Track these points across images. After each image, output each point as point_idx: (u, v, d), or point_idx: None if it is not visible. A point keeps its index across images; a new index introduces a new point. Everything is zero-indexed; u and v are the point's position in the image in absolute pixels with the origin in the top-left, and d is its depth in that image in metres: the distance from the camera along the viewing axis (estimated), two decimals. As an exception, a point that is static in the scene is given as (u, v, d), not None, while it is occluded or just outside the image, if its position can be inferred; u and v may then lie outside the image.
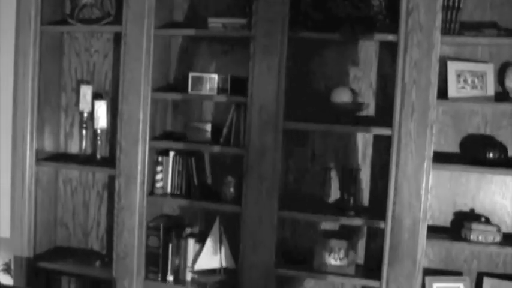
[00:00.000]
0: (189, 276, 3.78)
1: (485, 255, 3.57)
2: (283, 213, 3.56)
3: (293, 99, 3.60)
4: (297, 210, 3.59)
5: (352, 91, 3.55)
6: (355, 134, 3.65)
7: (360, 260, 3.67)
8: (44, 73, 3.97)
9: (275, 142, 3.49)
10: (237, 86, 3.64)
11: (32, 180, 3.96)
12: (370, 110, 3.62)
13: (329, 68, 3.68)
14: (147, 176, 3.75)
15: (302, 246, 3.75)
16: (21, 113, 3.94)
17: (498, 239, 3.35)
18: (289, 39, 3.46)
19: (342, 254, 3.53)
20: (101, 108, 3.93)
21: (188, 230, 3.90)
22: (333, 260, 3.53)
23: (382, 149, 3.57)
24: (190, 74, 3.68)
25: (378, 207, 3.52)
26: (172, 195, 3.80)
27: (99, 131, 3.97)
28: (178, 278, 3.80)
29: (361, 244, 3.68)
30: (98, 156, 3.97)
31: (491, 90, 3.42)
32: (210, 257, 3.72)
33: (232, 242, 3.70)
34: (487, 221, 3.48)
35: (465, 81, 3.43)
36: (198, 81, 3.66)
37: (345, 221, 3.50)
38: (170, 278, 3.78)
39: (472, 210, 3.57)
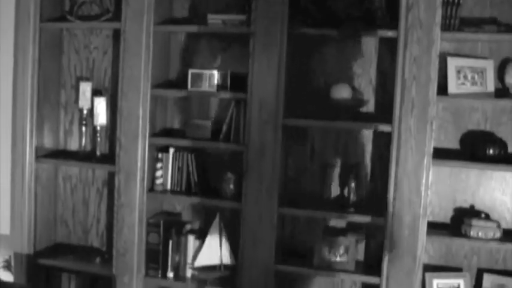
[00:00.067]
0: (189, 273, 3.79)
1: (485, 251, 3.57)
2: (283, 210, 3.56)
3: (293, 96, 3.60)
4: (296, 206, 3.59)
5: (352, 87, 3.54)
6: (355, 130, 3.64)
7: (360, 256, 3.67)
8: (44, 70, 3.96)
9: (275, 139, 3.49)
10: (236, 83, 3.64)
11: (31, 177, 3.96)
12: (369, 106, 3.62)
13: (329, 64, 3.68)
14: (147, 173, 3.75)
15: (302, 243, 3.75)
16: (20, 110, 3.94)
17: (498, 235, 3.35)
18: (288, 35, 3.46)
19: (342, 251, 3.53)
20: (101, 105, 3.93)
21: (188, 227, 3.90)
22: (333, 257, 3.54)
23: (382, 145, 3.57)
24: (190, 71, 3.68)
25: (377, 203, 3.52)
26: (172, 191, 3.80)
27: (98, 128, 3.96)
28: (179, 275, 3.80)
29: (361, 240, 3.67)
30: (98, 153, 3.97)
31: (491, 86, 3.42)
32: (210, 253, 3.72)
33: (232, 238, 3.70)
34: (487, 217, 3.48)
35: (465, 77, 3.43)
36: (197, 78, 3.65)
37: (345, 217, 3.50)
38: (170, 274, 3.78)
39: (472, 207, 3.57)
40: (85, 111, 3.97)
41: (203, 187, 3.78)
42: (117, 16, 3.75)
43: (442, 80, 3.38)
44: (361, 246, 3.67)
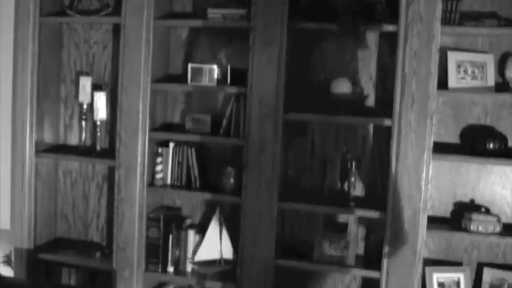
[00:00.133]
0: (189, 268, 3.79)
1: (485, 245, 3.57)
2: (283, 204, 3.56)
3: (293, 91, 3.59)
4: (296, 201, 3.59)
5: (352, 82, 3.54)
6: (355, 125, 3.64)
7: (360, 250, 3.68)
8: (43, 65, 3.96)
9: (275, 133, 3.49)
10: (236, 77, 3.63)
11: (31, 172, 3.96)
12: (370, 101, 3.62)
13: (329, 59, 3.68)
14: (147, 168, 3.75)
15: (302, 238, 3.75)
16: (20, 105, 3.94)
17: (498, 229, 3.35)
18: (288, 30, 3.46)
19: (342, 245, 3.53)
20: (101, 100, 3.92)
21: (188, 221, 3.91)
22: (333, 251, 3.54)
23: (382, 139, 3.56)
24: (190, 65, 3.68)
25: (378, 198, 3.52)
26: (172, 186, 3.80)
27: (98, 123, 3.96)
28: (179, 269, 3.80)
29: (362, 235, 3.68)
30: (98, 148, 3.97)
31: (491, 80, 3.41)
32: (210, 248, 3.72)
33: (232, 233, 3.70)
34: (487, 211, 3.48)
35: (465, 71, 3.43)
36: (197, 72, 3.65)
37: (345, 212, 3.50)
38: (170, 269, 3.79)
39: (472, 201, 3.57)
40: (85, 106, 3.96)
41: (203, 182, 3.78)
42: (117, 11, 3.75)
43: (442, 75, 3.38)
44: (361, 241, 3.67)
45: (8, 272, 4.09)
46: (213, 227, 3.72)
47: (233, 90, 3.62)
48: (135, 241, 3.77)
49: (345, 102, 3.48)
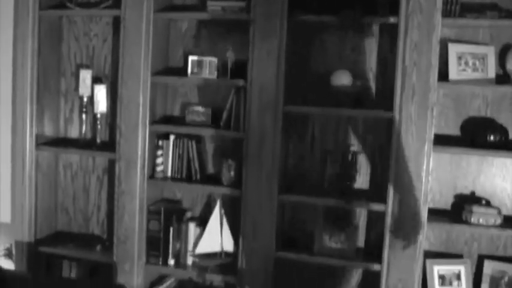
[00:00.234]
0: (190, 260, 3.79)
1: (485, 237, 3.57)
2: (283, 197, 3.56)
3: (293, 83, 3.59)
4: (297, 193, 3.59)
5: (352, 74, 3.52)
6: (356, 117, 3.63)
7: (361, 243, 3.67)
8: (43, 58, 3.96)
9: (275, 126, 3.49)
10: (236, 70, 3.63)
11: (32, 165, 3.96)
12: (370, 93, 3.61)
13: (329, 51, 3.67)
14: (148, 160, 3.75)
15: (302, 230, 3.75)
16: (20, 98, 3.94)
17: (499, 221, 3.35)
18: (288, 22, 3.45)
19: (342, 238, 3.53)
20: (101, 93, 3.92)
21: (189, 214, 3.91)
22: (334, 244, 3.54)
23: (383, 131, 3.56)
24: (190, 58, 3.67)
25: (378, 190, 3.52)
26: (173, 179, 3.80)
27: (99, 116, 3.96)
28: (179, 262, 3.81)
29: (362, 227, 3.67)
30: (98, 141, 3.97)
31: (492, 72, 3.41)
32: (211, 240, 3.72)
33: (233, 225, 3.70)
34: (488, 203, 3.48)
35: (466, 63, 3.42)
36: (197, 65, 3.65)
37: (346, 204, 3.50)
38: (171, 261, 3.79)
39: (473, 193, 3.57)
40: (85, 99, 3.96)
41: (204, 174, 3.78)
42: (116, 3, 3.74)
43: (443, 67, 3.38)
44: (362, 233, 3.67)
45: (8, 265, 4.09)
46: (214, 220, 3.72)
47: (233, 82, 3.61)
48: (136, 234, 3.77)
49: (345, 94, 3.47)
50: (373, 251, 3.57)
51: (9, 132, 4.12)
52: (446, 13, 3.30)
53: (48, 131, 4.08)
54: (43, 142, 4.00)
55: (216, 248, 3.74)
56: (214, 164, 3.87)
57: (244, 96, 3.57)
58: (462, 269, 3.48)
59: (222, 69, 3.65)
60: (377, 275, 3.44)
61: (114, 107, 3.86)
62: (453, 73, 3.41)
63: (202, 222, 3.80)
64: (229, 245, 3.74)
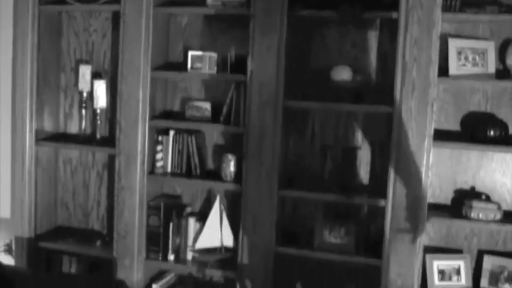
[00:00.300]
0: (189, 255, 3.80)
1: (485, 232, 3.57)
2: (283, 192, 3.56)
3: (293, 78, 3.59)
4: (297, 188, 3.59)
5: (352, 69, 3.52)
6: (356, 112, 3.63)
7: (361, 238, 3.67)
8: (43, 53, 3.95)
9: (275, 121, 3.49)
10: (236, 65, 3.62)
11: (32, 160, 3.96)
12: (370, 88, 3.60)
13: (329, 46, 3.67)
14: (147, 156, 3.75)
15: (302, 225, 3.75)
16: (20, 93, 3.93)
17: (498, 216, 3.35)
18: (288, 17, 3.45)
19: (342, 233, 3.53)
20: (100, 88, 3.92)
21: (188, 209, 3.91)
22: (334, 239, 3.54)
23: (383, 127, 3.55)
24: (190, 53, 3.67)
25: (378, 185, 3.52)
26: (173, 174, 3.79)
27: (98, 111, 3.96)
28: (179, 257, 3.81)
29: (362, 222, 3.67)
30: (98, 136, 3.97)
31: (492, 67, 3.41)
32: (211, 235, 3.72)
33: (233, 220, 3.71)
34: (488, 198, 3.48)
35: (466, 58, 3.42)
36: (197, 60, 3.65)
37: (346, 199, 3.50)
38: (171, 257, 3.79)
39: (473, 188, 3.57)
40: (85, 94, 3.96)
41: (203, 169, 3.78)
42: (116, -2, 3.74)
43: (443, 62, 3.38)
44: (362, 228, 3.66)
45: (8, 260, 4.10)
46: (214, 215, 3.72)
47: (233, 77, 3.61)
48: (136, 229, 3.77)
49: (345, 89, 3.47)
50: (373, 246, 3.57)
51: (9, 127, 4.13)
52: (446, 8, 3.30)
53: (48, 126, 4.07)
54: (43, 137, 4.00)
55: (216, 243, 3.74)
56: (214, 160, 3.87)
57: (244, 91, 3.56)
58: (462, 264, 3.48)
59: (222, 64, 3.65)
60: (377, 270, 3.44)
61: (114, 102, 3.85)
62: (453, 68, 3.41)
63: (202, 217, 3.80)
64: (229, 240, 3.74)
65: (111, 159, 3.95)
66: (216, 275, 3.75)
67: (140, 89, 3.68)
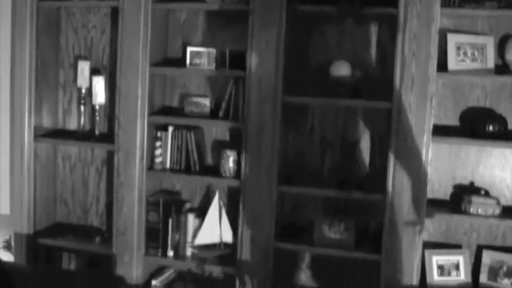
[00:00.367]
0: (189, 251, 3.80)
1: (484, 228, 3.57)
2: (282, 188, 3.56)
3: (292, 73, 3.58)
4: (296, 184, 3.59)
5: (352, 65, 3.52)
6: (355, 107, 3.63)
7: (360, 233, 3.67)
8: (41, 49, 3.94)
9: (274, 116, 3.49)
10: (235, 60, 3.62)
11: (30, 157, 3.95)
12: (369, 83, 3.59)
13: (328, 41, 3.66)
14: (146, 152, 3.75)
15: (302, 221, 3.75)
16: (19, 90, 3.92)
17: (497, 211, 3.36)
18: (287, 13, 3.44)
19: (342, 228, 3.53)
20: (99, 84, 3.91)
21: (188, 205, 3.91)
22: (333, 234, 3.54)
23: (382, 122, 3.55)
24: (189, 49, 3.66)
25: (377, 180, 3.51)
26: (172, 170, 3.79)
27: (97, 107, 3.95)
28: (178, 253, 3.81)
29: (362, 217, 3.67)
30: (97, 132, 3.96)
31: (491, 62, 3.41)
32: (210, 231, 3.72)
33: (232, 216, 3.70)
34: (487, 194, 3.49)
35: (465, 53, 3.42)
36: (196, 56, 3.65)
37: (345, 194, 3.50)
38: (170, 253, 3.79)
39: (472, 183, 3.57)
40: (83, 90, 3.95)
41: (202, 165, 3.78)
42: (115, -6, 3.73)
43: (442, 57, 3.37)
44: (361, 223, 3.66)
45: (8, 257, 4.09)
46: (213, 211, 3.72)
47: (232, 73, 3.61)
48: (135, 225, 3.77)
49: (344, 84, 3.46)
50: (372, 241, 3.56)
51: (8, 124, 4.13)
52: (445, 3, 3.29)
53: (47, 122, 4.07)
54: (41, 134, 3.99)
55: (215, 239, 3.74)
56: (213, 155, 3.87)
57: (243, 87, 3.56)
58: (461, 259, 3.48)
59: (220, 60, 3.64)
60: (376, 265, 3.44)
61: (113, 98, 3.85)
62: (452, 63, 3.41)
63: (202, 213, 3.80)
64: (228, 236, 3.74)
65: (110, 155, 3.95)
66: (216, 271, 3.75)
67: (139, 85, 3.68)
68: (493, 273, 3.46)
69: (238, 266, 3.64)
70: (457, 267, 3.48)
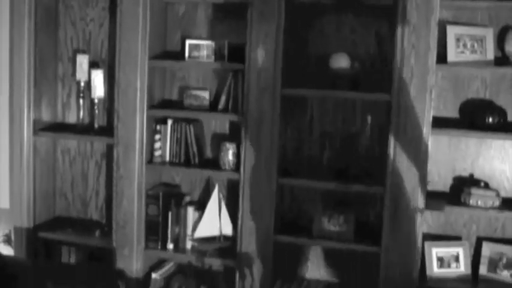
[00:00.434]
0: (188, 244, 3.80)
1: (484, 219, 3.57)
2: (282, 180, 3.56)
3: (291, 66, 3.58)
4: (296, 176, 3.59)
5: (351, 57, 3.51)
6: (354, 99, 3.63)
7: (360, 225, 3.67)
8: (40, 44, 3.93)
9: (273, 108, 3.48)
10: (234, 53, 3.61)
11: (30, 151, 3.95)
12: (368, 76, 3.59)
13: (327, 33, 3.65)
14: (146, 145, 3.75)
15: (301, 213, 3.76)
16: (18, 83, 3.91)
17: (497, 203, 3.36)
18: (286, 5, 3.43)
19: (341, 220, 3.53)
20: (98, 78, 3.91)
21: (187, 198, 3.91)
22: (332, 226, 3.54)
23: (381, 114, 3.55)
24: (187, 41, 3.66)
25: (377, 172, 3.51)
26: (171, 163, 3.79)
27: (96, 101, 3.94)
28: (178, 246, 3.81)
29: (361, 210, 3.67)
30: (96, 126, 3.95)
31: (490, 54, 3.40)
32: (210, 224, 3.72)
33: (232, 209, 3.70)
34: (486, 185, 3.48)
35: (464, 45, 3.41)
36: (195, 49, 3.64)
37: (345, 187, 3.49)
38: (170, 246, 3.79)
39: (471, 175, 3.57)
40: (82, 84, 3.95)
41: (202, 158, 3.78)
42: (113, -13, 3.73)
43: (441, 49, 3.36)
44: (361, 216, 3.67)
45: (8, 251, 4.10)
46: (212, 204, 3.72)
47: (231, 65, 3.61)
48: (135, 219, 3.77)
49: (344, 77, 3.46)
50: (372, 234, 3.57)
51: (7, 118, 4.12)
52: (445, -5, 3.29)
53: (46, 116, 4.06)
54: (41, 128, 3.99)
55: (215, 232, 3.74)
56: (212, 148, 3.87)
57: (242, 79, 3.56)
58: (460, 251, 3.49)
59: (219, 52, 3.64)
60: (376, 258, 3.44)
61: (112, 91, 3.84)
62: (451, 55, 3.40)
63: (201, 206, 3.80)
64: (228, 229, 3.74)
65: (110, 148, 3.95)
66: (216, 263, 3.75)
67: (138, 78, 3.67)
68: (493, 265, 3.46)
69: (238, 258, 3.64)
70: (456, 259, 3.49)
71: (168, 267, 3.90)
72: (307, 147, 3.73)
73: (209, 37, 3.76)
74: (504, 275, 3.43)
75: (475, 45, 3.40)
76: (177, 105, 3.84)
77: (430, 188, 3.51)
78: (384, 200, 3.39)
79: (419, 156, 3.31)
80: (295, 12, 3.56)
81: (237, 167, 3.62)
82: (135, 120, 3.70)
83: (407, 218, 3.35)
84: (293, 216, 3.78)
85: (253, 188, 3.55)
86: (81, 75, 3.92)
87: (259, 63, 3.46)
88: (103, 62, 4.00)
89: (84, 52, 4.00)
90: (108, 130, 3.89)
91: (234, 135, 3.73)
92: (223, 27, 3.78)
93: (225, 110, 3.64)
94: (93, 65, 3.95)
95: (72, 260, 4.03)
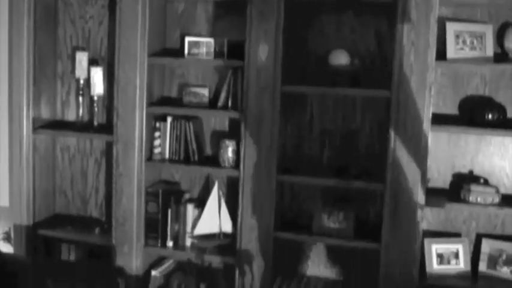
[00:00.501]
0: (188, 242, 3.80)
1: (484, 216, 3.58)
2: (281, 177, 3.56)
3: (291, 63, 3.58)
4: (295, 174, 3.59)
5: (350, 54, 3.51)
6: (354, 96, 3.62)
7: (360, 222, 3.67)
8: (39, 41, 3.92)
9: (273, 106, 3.48)
10: (234, 50, 3.61)
11: (29, 148, 3.94)
12: (368, 72, 3.59)
13: (327, 30, 3.65)
14: (145, 142, 3.74)
15: (301, 210, 3.76)
16: (17, 81, 3.91)
17: (497, 200, 3.36)
18: (286, 2, 3.43)
19: (341, 217, 3.53)
20: (97, 75, 3.90)
21: (187, 196, 3.91)
22: (332, 223, 3.54)
23: (381, 111, 3.55)
24: (187, 39, 3.66)
25: (377, 169, 3.51)
26: (171, 160, 3.79)
27: (95, 98, 3.94)
28: (178, 244, 3.81)
29: (361, 207, 3.67)
30: (95, 123, 3.95)
31: (490, 51, 3.40)
32: (209, 222, 3.72)
33: (231, 206, 3.71)
34: (486, 182, 3.48)
35: (464, 42, 3.41)
36: (194, 46, 3.64)
37: (344, 183, 3.50)
38: (170, 243, 3.79)
39: (471, 172, 3.57)
40: (82, 82, 3.94)
41: (201, 155, 3.78)
42: (112, -15, 3.72)
43: (441, 45, 3.36)
44: (361, 213, 3.67)
45: (7, 248, 4.10)
46: (212, 201, 3.72)
47: (230, 63, 3.60)
48: (134, 216, 3.77)
49: (343, 74, 3.46)
50: (372, 231, 3.57)
51: (7, 116, 4.12)
52: (444, -9, 3.29)
53: (45, 114, 4.06)
54: (40, 125, 3.98)
55: (215, 229, 3.74)
56: (212, 145, 3.87)
57: (241, 76, 3.56)
58: (460, 247, 3.49)
59: (219, 50, 3.64)
60: (376, 254, 3.44)
61: (111, 89, 3.84)
62: (451, 52, 3.40)
63: (201, 203, 3.80)
64: (227, 226, 3.74)
65: (109, 146, 3.95)
66: (215, 261, 3.75)
67: (137, 76, 3.67)
68: (492, 261, 3.46)
69: (237, 255, 3.64)
70: (456, 255, 3.49)
71: (167, 265, 3.90)
72: (307, 145, 3.73)
73: (208, 34, 3.76)
74: (504, 271, 3.43)
75: (475, 41, 3.41)
76: (177, 102, 3.84)
77: (429, 184, 3.52)
78: (384, 197, 3.39)
79: (419, 153, 3.31)
80: (294, 10, 3.56)
81: (236, 164, 3.62)
82: (135, 117, 3.69)
83: (407, 214, 3.36)
84: (293, 214, 3.78)
85: (253, 185, 3.55)
86: (80, 72, 3.91)
87: (258, 60, 3.46)
88: (102, 60, 4.00)
89: (83, 49, 3.99)
90: (107, 127, 3.89)
91: (233, 132, 3.73)
92: (222, 24, 3.78)
93: (225, 107, 3.64)
94: (92, 62, 3.95)
95: (72, 257, 4.03)
